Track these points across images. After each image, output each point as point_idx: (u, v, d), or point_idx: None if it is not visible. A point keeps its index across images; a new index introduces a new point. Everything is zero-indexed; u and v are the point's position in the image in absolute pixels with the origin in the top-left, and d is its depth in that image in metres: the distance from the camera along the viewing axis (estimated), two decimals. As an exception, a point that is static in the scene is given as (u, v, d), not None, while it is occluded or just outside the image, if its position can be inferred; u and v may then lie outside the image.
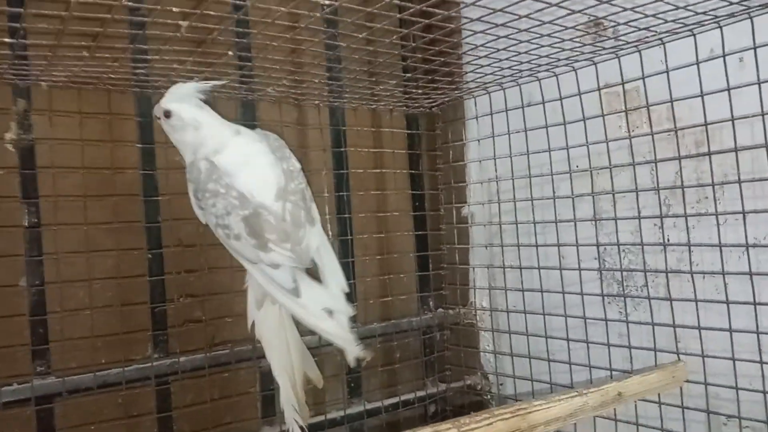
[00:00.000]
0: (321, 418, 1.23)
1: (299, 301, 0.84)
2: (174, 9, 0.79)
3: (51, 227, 1.02)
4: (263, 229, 0.82)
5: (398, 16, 0.85)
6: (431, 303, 1.44)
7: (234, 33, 0.98)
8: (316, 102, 1.24)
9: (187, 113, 0.83)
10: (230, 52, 0.95)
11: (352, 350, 0.85)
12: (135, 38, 0.88)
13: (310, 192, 0.90)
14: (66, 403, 1.02)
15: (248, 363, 1.16)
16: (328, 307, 0.85)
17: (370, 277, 1.34)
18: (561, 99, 1.14)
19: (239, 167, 0.83)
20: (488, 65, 1.09)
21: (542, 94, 1.17)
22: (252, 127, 0.95)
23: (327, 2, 0.80)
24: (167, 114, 0.83)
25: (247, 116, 1.19)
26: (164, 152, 1.08)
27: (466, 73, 1.15)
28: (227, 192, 0.82)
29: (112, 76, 0.96)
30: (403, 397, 1.33)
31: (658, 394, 0.97)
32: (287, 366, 0.92)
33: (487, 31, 0.91)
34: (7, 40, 0.79)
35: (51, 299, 1.02)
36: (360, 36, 0.91)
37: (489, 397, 1.39)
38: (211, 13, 0.78)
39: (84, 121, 1.05)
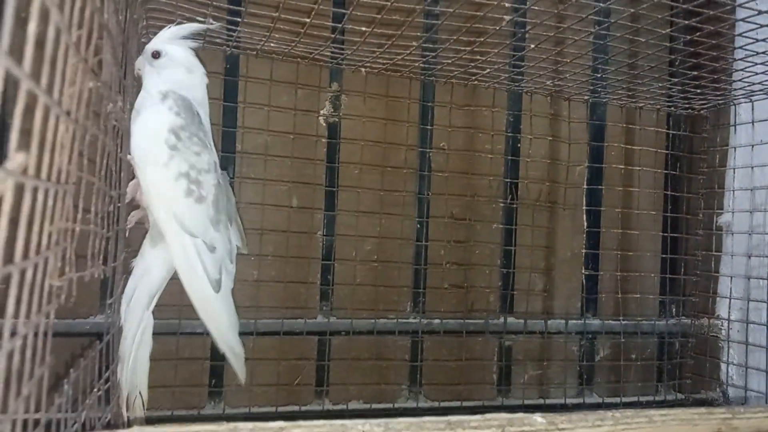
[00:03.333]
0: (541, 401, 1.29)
1: (215, 295, 0.79)
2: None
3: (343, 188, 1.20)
4: (221, 204, 0.78)
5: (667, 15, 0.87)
6: (673, 308, 1.40)
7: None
8: (577, 96, 1.29)
9: (181, 54, 0.82)
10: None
11: (241, 370, 0.83)
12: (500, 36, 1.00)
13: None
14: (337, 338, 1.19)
15: (497, 335, 1.26)
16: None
17: (608, 272, 1.35)
18: None
19: (208, 133, 0.82)
20: (756, 74, 1.06)
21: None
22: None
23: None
24: (155, 55, 0.80)
25: (514, 107, 1.28)
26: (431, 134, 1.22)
27: (735, 81, 1.13)
28: (210, 150, 0.79)
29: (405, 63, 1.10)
30: (626, 399, 1.32)
31: None
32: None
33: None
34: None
35: (339, 249, 1.20)
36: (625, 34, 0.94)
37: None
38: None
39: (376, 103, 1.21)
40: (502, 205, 1.27)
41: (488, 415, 0.65)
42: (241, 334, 1.10)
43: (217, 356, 1.12)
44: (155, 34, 1.01)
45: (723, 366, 1.34)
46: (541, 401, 1.30)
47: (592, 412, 0.69)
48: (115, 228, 0.76)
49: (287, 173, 1.16)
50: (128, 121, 0.82)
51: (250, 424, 0.56)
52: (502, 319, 1.25)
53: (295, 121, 1.15)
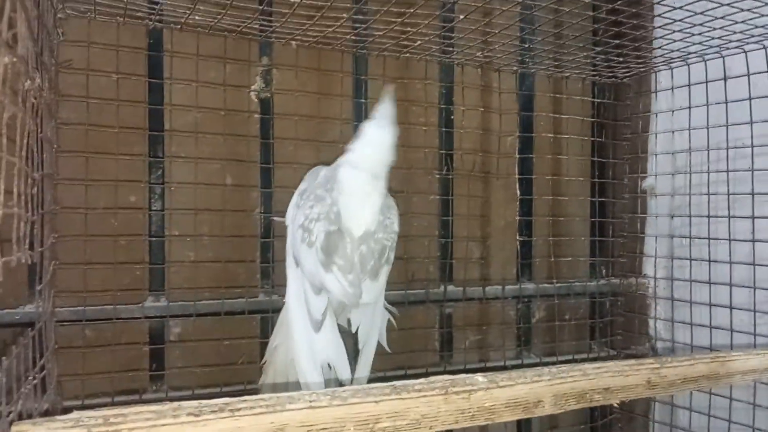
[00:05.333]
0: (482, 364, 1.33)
1: (312, 336, 0.83)
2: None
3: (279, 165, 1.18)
4: (337, 250, 0.83)
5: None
6: (603, 270, 1.47)
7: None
8: (505, 67, 1.31)
9: (374, 132, 0.88)
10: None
11: None
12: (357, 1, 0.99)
13: (391, 259, 0.91)
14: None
15: (438, 304, 1.29)
16: (330, 363, 0.84)
17: (541, 238, 1.39)
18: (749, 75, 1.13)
19: (352, 191, 0.86)
20: (675, 41, 1.11)
21: (723, 69, 1.16)
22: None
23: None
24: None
25: (446, 79, 1.29)
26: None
27: (655, 49, 1.19)
28: (330, 203, 0.86)
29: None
30: (562, 358, 1.38)
31: None
32: None
33: (684, 7, 0.93)
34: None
35: (278, 226, 1.18)
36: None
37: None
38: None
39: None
40: (438, 176, 1.29)
41: (432, 378, 0.67)
42: (180, 316, 1.09)
43: (157, 340, 1.09)
44: (72, 8, 0.96)
45: (651, 322, 1.42)
46: (482, 365, 1.34)
47: (531, 369, 0.72)
48: (40, 211, 0.73)
49: (220, 151, 1.14)
50: (49, 99, 0.78)
51: (194, 402, 0.56)
52: (442, 288, 1.28)
53: (225, 97, 1.12)
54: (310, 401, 0.58)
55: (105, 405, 0.99)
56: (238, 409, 0.56)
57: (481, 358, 1.35)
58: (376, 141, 0.88)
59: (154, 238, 1.09)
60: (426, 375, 0.67)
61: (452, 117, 1.30)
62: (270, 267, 1.16)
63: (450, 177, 1.29)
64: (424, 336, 1.30)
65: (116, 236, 1.07)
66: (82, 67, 1.03)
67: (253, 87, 1.16)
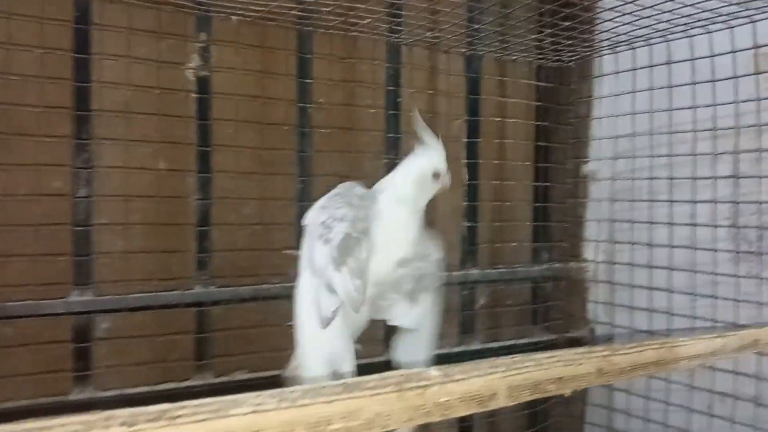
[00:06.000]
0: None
1: (318, 333, 0.82)
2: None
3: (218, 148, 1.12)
4: (352, 252, 0.82)
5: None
6: (546, 254, 1.47)
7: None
8: (454, 49, 1.29)
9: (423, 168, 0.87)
10: None
11: None
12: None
13: (431, 286, 0.92)
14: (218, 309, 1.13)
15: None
16: (334, 366, 0.83)
17: (486, 223, 1.38)
18: (693, 60, 1.15)
19: (390, 223, 0.85)
20: (623, 24, 1.11)
21: (668, 55, 1.17)
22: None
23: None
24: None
25: (393, 60, 1.25)
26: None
27: (601, 33, 1.19)
28: (363, 217, 0.84)
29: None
30: (505, 344, 1.38)
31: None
32: None
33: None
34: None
35: (215, 213, 1.12)
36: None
37: (597, 348, 1.43)
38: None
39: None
40: (385, 161, 1.25)
41: (385, 374, 0.64)
42: (109, 311, 1.02)
43: (82, 337, 1.02)
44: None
45: (591, 306, 1.44)
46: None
47: (484, 361, 0.70)
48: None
49: (153, 133, 1.07)
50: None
51: (127, 411, 0.51)
52: (388, 276, 1.25)
53: (159, 74, 1.05)
54: (256, 404, 0.54)
55: (26, 409, 0.93)
56: (177, 417, 0.51)
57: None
58: (423, 179, 0.88)
59: (79, 228, 1.01)
60: (374, 367, 0.64)
61: (399, 99, 1.26)
62: (207, 257, 1.10)
63: (398, 161, 1.26)
64: (373, 324, 1.27)
65: (38, 225, 0.99)
66: (2, 40, 0.95)
67: (189, 64, 1.09)
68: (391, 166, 1.25)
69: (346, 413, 0.58)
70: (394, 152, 1.25)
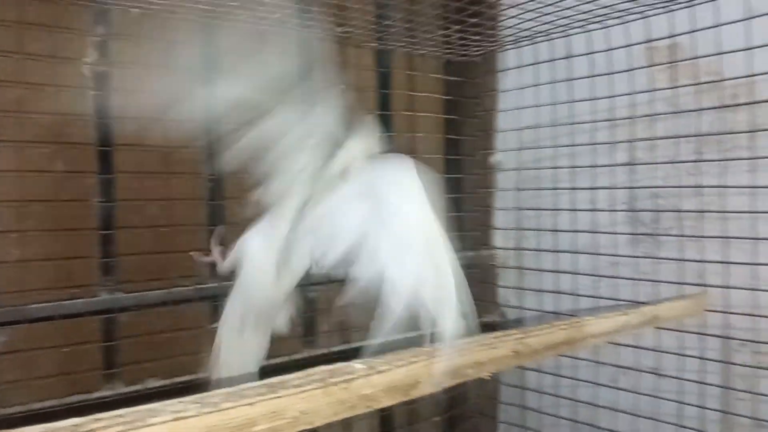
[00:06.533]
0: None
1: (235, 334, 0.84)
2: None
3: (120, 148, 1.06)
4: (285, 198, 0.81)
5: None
6: (457, 244, 1.50)
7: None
8: (365, 44, 1.29)
9: None
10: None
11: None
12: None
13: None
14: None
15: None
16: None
17: None
18: (591, 54, 1.22)
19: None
20: (525, 21, 1.16)
21: (567, 50, 1.24)
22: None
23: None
24: None
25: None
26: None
27: (506, 28, 1.23)
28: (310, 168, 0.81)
29: None
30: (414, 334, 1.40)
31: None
32: None
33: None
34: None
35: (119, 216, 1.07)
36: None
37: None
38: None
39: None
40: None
41: (309, 371, 0.64)
42: (6, 324, 0.95)
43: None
44: None
45: (501, 291, 1.49)
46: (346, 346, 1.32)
47: (406, 351, 0.71)
48: None
49: (48, 133, 1.00)
50: None
51: (39, 427, 0.48)
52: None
53: (55, 71, 0.99)
54: (177, 412, 0.52)
55: None
56: (92, 431, 0.49)
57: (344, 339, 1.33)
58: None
59: (-32, 236, 0.94)
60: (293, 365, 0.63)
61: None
62: (112, 262, 1.05)
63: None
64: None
65: None
66: None
67: (86, 60, 1.03)
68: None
69: (271, 413, 0.57)
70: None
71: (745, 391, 1.06)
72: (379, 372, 0.66)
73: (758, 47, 0.99)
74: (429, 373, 0.70)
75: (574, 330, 0.83)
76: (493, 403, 1.50)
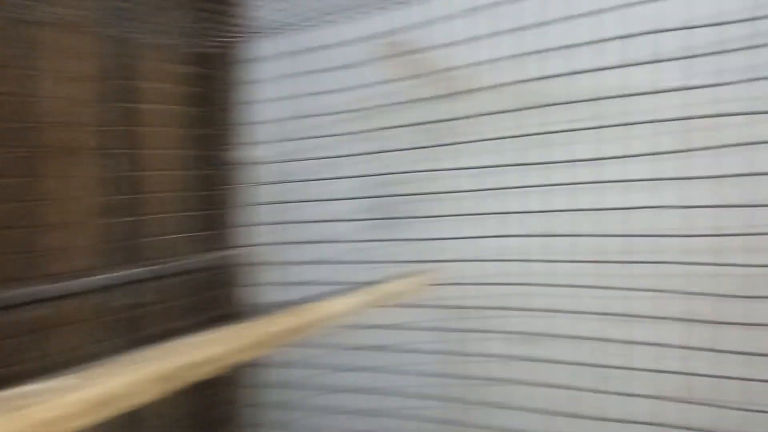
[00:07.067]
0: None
1: None
2: None
3: None
4: None
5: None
6: (204, 244, 1.45)
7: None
8: (102, 31, 1.18)
9: None
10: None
11: None
12: None
13: None
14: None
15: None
16: None
17: (138, 218, 1.31)
18: (338, 46, 1.27)
19: None
20: (278, 11, 1.17)
21: (313, 42, 1.28)
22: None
23: None
24: None
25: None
26: None
27: (255, 19, 1.24)
28: None
29: None
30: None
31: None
32: None
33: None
34: None
35: None
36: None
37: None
38: None
39: None
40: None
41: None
42: None
43: None
44: None
45: (247, 289, 1.49)
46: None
47: (129, 356, 0.67)
48: None
49: None
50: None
51: None
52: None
53: None
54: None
55: None
56: None
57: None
58: None
59: None
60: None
61: (33, 84, 1.10)
62: None
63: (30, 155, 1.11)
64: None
65: None
66: None
67: None
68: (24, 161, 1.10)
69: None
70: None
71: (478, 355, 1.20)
72: (94, 384, 0.61)
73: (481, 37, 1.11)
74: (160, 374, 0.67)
75: (301, 316, 0.86)
76: (242, 406, 1.49)
